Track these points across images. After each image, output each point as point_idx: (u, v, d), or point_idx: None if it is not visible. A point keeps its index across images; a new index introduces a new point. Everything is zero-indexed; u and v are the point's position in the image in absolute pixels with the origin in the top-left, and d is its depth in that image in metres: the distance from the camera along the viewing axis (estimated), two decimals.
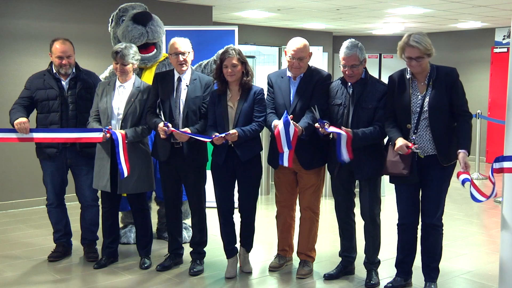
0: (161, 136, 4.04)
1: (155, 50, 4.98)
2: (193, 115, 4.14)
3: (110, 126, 4.18)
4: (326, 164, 4.20)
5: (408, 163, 3.70)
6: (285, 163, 3.91)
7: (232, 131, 3.93)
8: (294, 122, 3.86)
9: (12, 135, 4.36)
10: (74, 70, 4.53)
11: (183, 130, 4.02)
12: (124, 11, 5.06)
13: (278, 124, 3.86)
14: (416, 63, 3.65)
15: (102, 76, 4.97)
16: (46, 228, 5.55)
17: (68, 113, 4.45)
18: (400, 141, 3.69)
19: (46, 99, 4.45)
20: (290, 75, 4.15)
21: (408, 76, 3.79)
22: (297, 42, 4.09)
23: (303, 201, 4.28)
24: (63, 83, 4.50)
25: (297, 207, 4.42)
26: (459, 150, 3.62)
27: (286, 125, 3.82)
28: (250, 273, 4.29)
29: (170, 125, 4.02)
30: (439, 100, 3.67)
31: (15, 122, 4.30)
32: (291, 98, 4.12)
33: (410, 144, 3.67)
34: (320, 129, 3.81)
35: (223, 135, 3.94)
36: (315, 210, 4.28)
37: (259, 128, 4.06)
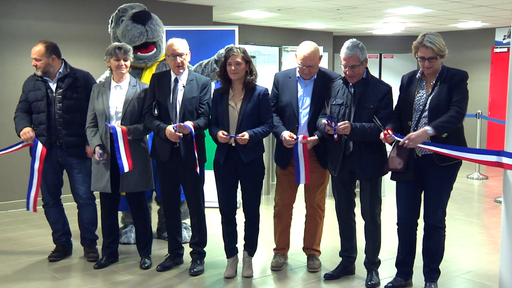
0: (173, 140, 4.05)
1: (155, 49, 4.98)
2: (190, 116, 4.13)
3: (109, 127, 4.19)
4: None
5: (403, 159, 3.71)
6: (302, 181, 4.11)
7: (245, 136, 3.92)
8: (309, 138, 4.06)
9: (18, 146, 4.57)
10: (61, 70, 4.58)
11: (186, 124, 4.02)
12: (124, 12, 5.07)
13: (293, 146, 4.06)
14: (428, 64, 3.66)
15: (102, 77, 4.97)
16: (46, 228, 5.54)
17: (55, 113, 4.50)
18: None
19: (36, 100, 4.54)
20: (299, 75, 4.19)
21: (418, 76, 3.80)
22: (305, 50, 4.08)
23: (311, 200, 4.34)
24: (51, 84, 4.55)
25: (295, 205, 4.45)
26: (425, 127, 3.61)
27: (296, 148, 4.06)
28: (250, 277, 4.27)
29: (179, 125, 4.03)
30: (440, 99, 3.67)
31: (21, 133, 4.45)
32: (299, 97, 4.17)
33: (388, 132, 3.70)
34: (326, 126, 3.82)
35: (231, 136, 3.95)
36: (322, 207, 4.41)
37: (269, 130, 4.07)
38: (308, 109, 4.15)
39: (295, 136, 4.05)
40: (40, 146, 4.42)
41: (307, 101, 4.16)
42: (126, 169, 4.17)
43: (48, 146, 4.49)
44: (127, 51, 4.30)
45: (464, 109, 3.64)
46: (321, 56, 4.17)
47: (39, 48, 4.53)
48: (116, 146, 4.15)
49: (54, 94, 4.52)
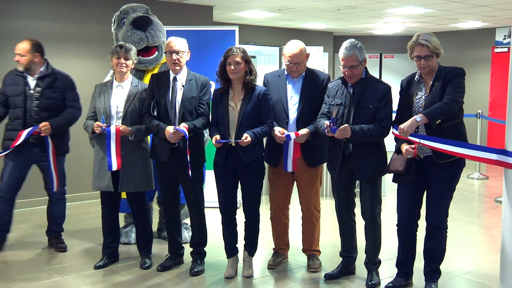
0: (172, 141, 4.05)
1: (157, 52, 5.00)
2: (189, 116, 4.14)
3: (104, 125, 4.20)
4: (326, 164, 4.22)
5: (404, 160, 3.72)
6: (289, 169, 4.12)
7: (246, 139, 3.92)
8: (300, 133, 4.05)
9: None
10: (42, 69, 4.73)
11: (181, 128, 4.02)
12: (125, 13, 5.08)
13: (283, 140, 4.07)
14: (424, 62, 3.67)
15: (104, 81, 4.96)
16: (46, 228, 5.56)
17: (32, 109, 4.63)
18: (405, 146, 3.73)
19: (13, 95, 4.69)
20: (287, 73, 4.23)
21: (416, 78, 3.80)
22: (292, 48, 4.14)
23: (306, 201, 4.34)
24: (29, 80, 4.70)
25: (292, 205, 4.48)
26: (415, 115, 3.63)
27: (286, 144, 4.08)
28: (250, 277, 4.26)
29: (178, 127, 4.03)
30: (435, 97, 3.67)
31: None
32: (288, 94, 4.20)
33: (413, 146, 3.68)
34: (326, 129, 3.82)
35: (225, 142, 3.95)
36: (318, 207, 4.39)
37: (269, 130, 4.07)
38: (297, 106, 4.17)
39: (286, 132, 4.05)
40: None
41: (296, 97, 4.19)
42: (114, 167, 4.19)
43: (22, 143, 4.58)
44: (128, 50, 4.31)
45: (457, 98, 3.61)
46: (308, 54, 4.22)
47: (24, 45, 4.71)
48: (107, 143, 4.17)
49: (31, 91, 4.65)
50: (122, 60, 4.29)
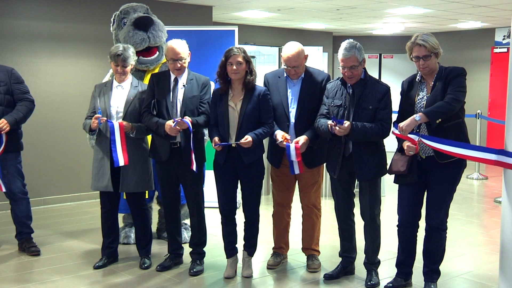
0: (172, 134, 4.05)
1: (158, 52, 4.99)
2: (190, 115, 4.13)
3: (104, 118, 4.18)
4: (325, 165, 4.22)
5: (406, 161, 3.72)
6: (296, 171, 4.07)
7: (247, 139, 3.91)
8: (299, 139, 4.02)
9: None
10: None
11: (185, 119, 4.01)
12: (126, 13, 5.06)
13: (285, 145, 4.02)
14: (423, 62, 3.67)
15: (104, 81, 4.97)
16: (46, 229, 5.57)
17: None
18: (407, 143, 3.73)
19: None
20: (287, 75, 4.21)
21: (418, 79, 3.81)
22: (289, 51, 4.12)
23: (306, 199, 4.34)
24: None
25: (293, 205, 4.47)
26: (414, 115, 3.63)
27: (288, 149, 4.01)
28: (250, 277, 4.27)
29: (178, 120, 4.02)
30: (436, 96, 3.67)
31: None
32: (288, 97, 4.18)
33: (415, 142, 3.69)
34: (333, 127, 3.79)
35: (233, 144, 3.95)
36: (318, 206, 4.40)
37: (270, 130, 4.07)
38: (296, 108, 4.16)
39: (287, 136, 4.04)
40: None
41: (296, 100, 4.18)
42: (121, 163, 4.17)
43: None
44: (126, 58, 4.28)
45: (459, 97, 3.60)
46: (307, 55, 4.19)
47: None
48: (112, 139, 4.16)
49: None
50: (120, 69, 4.29)
